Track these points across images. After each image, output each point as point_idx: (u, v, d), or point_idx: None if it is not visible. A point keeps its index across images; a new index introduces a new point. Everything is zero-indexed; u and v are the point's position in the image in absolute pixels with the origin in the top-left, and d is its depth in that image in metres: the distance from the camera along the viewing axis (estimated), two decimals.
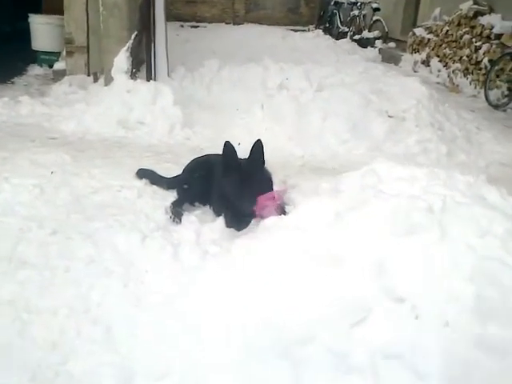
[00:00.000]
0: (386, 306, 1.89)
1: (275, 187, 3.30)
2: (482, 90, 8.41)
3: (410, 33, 11.05)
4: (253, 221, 3.13)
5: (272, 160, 5.05)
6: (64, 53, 7.70)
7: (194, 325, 2.20)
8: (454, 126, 5.92)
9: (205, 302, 2.33)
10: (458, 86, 9.14)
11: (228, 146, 3.21)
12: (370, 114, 5.71)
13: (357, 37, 12.80)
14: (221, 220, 3.31)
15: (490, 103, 8.07)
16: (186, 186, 3.72)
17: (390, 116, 5.78)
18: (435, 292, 1.87)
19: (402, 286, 1.93)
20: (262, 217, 3.05)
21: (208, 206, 3.70)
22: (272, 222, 2.76)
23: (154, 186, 4.02)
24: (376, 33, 12.44)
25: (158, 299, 2.54)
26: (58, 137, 5.35)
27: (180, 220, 3.44)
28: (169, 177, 4.09)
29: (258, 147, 3.21)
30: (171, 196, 3.87)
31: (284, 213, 2.97)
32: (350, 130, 5.50)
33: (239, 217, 3.19)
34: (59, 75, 7.52)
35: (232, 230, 3.21)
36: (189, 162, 3.96)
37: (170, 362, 2.07)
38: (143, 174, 4.17)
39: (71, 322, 2.36)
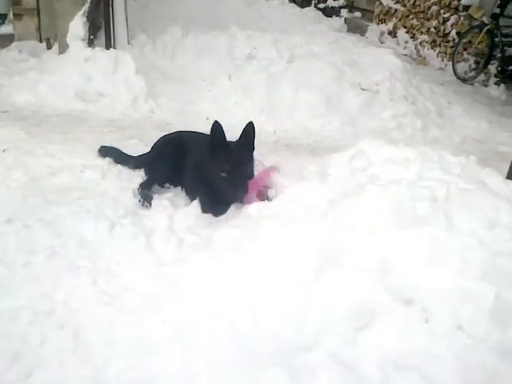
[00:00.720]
0: (392, 309, 1.71)
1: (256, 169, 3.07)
2: (450, 63, 8.35)
3: (377, 2, 10.80)
4: (232, 206, 2.89)
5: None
6: (11, 15, 7.03)
7: (177, 328, 1.97)
8: (427, 99, 5.81)
9: (189, 302, 2.11)
10: (425, 58, 9.05)
11: (216, 126, 2.94)
12: (343, 86, 5.50)
13: (321, 5, 12.44)
14: (195, 204, 3.06)
15: (457, 76, 8.03)
16: (155, 166, 3.42)
17: (363, 89, 5.59)
18: (446, 292, 1.71)
19: (408, 285, 1.77)
20: (242, 202, 2.82)
21: (180, 188, 3.44)
22: (256, 209, 2.54)
23: (119, 166, 3.69)
24: (341, 1, 12.12)
25: (133, 298, 2.29)
26: (9, 110, 4.87)
27: (150, 204, 3.17)
28: (135, 155, 3.77)
29: (249, 130, 2.97)
30: (138, 176, 3.57)
31: (267, 198, 2.75)
32: (323, 103, 5.28)
33: (217, 201, 2.95)
34: (6, 40, 6.86)
35: (208, 215, 2.97)
36: (158, 139, 3.66)
37: (152, 372, 1.85)
38: (106, 151, 3.83)
39: (34, 327, 2.08)
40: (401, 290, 1.75)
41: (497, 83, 7.44)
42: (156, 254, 2.68)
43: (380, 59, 5.94)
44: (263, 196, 2.77)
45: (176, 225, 2.92)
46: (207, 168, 2.96)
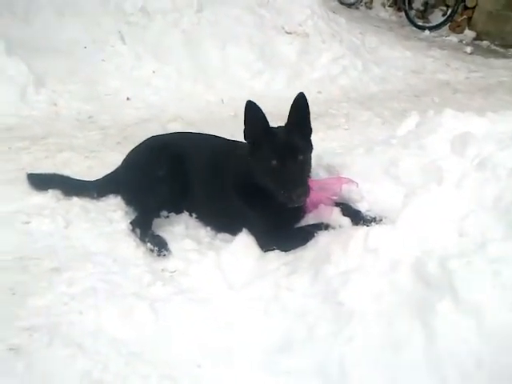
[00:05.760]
0: None
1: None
2: None
3: None
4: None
5: (190, 116, 3.87)
6: None
7: None
8: (349, 33, 5.35)
9: None
10: None
11: (251, 106, 2.05)
12: (268, 33, 4.75)
13: None
14: (244, 239, 2.20)
15: (341, 2, 7.69)
16: (146, 191, 2.42)
17: (287, 32, 4.90)
18: None
19: None
20: (327, 225, 2.07)
21: (181, 214, 2.52)
22: (384, 239, 1.83)
23: (75, 199, 2.60)
24: None
25: None
26: None
27: (167, 249, 2.24)
28: (89, 179, 2.68)
29: (301, 105, 2.07)
30: (114, 209, 2.56)
31: (362, 218, 2.03)
32: (258, 57, 4.49)
33: (282, 225, 2.13)
34: None
35: (275, 253, 2.14)
36: (133, 150, 2.62)
37: None
38: (44, 181, 2.67)
39: None
40: None
41: (390, 5, 7.27)
42: (242, 337, 1.85)
43: None
44: (355, 215, 2.04)
45: (235, 279, 2.07)
46: (252, 168, 2.11)
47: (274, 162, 2.01)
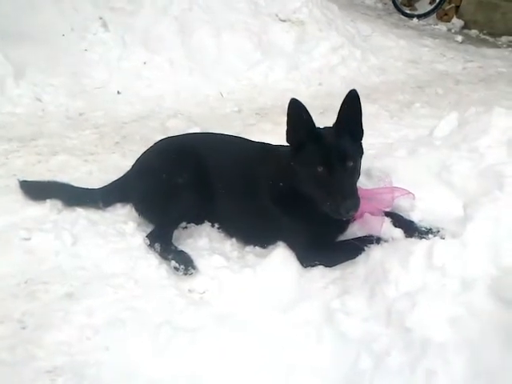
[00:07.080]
0: None
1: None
2: None
3: None
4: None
5: (190, 111, 3.58)
6: None
7: None
8: (343, 21, 5.12)
9: None
10: None
11: (295, 105, 1.81)
12: (264, 20, 4.48)
13: None
14: (281, 253, 1.98)
15: None
16: (164, 201, 2.15)
17: (282, 20, 4.64)
18: None
19: None
20: (378, 238, 1.87)
21: (205, 224, 2.27)
22: (445, 255, 1.64)
23: (79, 209, 2.31)
24: None
25: None
26: None
27: (193, 266, 1.99)
28: (91, 187, 2.39)
29: (352, 103, 1.82)
30: (123, 219, 2.29)
31: (412, 228, 1.84)
32: (256, 46, 4.23)
33: (331, 236, 1.95)
34: None
35: (318, 269, 1.94)
36: (145, 152, 2.35)
37: None
38: (40, 189, 2.39)
39: None
40: None
41: None
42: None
43: None
44: (408, 226, 1.85)
45: (276, 300, 1.85)
46: (294, 174, 1.89)
47: (320, 169, 1.79)
